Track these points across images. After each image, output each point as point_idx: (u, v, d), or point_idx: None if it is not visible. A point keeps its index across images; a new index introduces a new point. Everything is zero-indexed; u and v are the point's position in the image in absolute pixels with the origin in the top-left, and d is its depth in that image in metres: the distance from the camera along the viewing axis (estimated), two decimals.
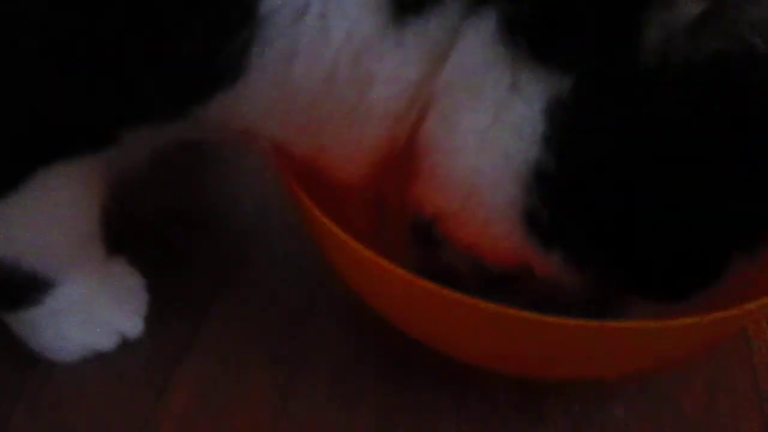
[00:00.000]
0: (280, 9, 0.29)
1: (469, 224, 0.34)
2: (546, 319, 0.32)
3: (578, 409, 0.40)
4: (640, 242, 0.32)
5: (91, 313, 0.42)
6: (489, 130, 0.31)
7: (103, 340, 0.42)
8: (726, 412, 0.40)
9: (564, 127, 0.30)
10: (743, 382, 0.41)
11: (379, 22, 0.30)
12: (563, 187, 0.31)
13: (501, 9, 0.30)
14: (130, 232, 0.48)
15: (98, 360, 0.42)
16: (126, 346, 0.42)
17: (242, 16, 0.29)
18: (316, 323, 0.44)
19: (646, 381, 0.41)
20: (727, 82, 0.29)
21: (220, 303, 0.45)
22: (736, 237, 0.32)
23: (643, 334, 0.33)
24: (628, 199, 0.31)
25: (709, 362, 0.42)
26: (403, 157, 0.34)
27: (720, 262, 0.33)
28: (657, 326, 0.32)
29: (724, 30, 0.28)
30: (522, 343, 0.35)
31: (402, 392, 0.40)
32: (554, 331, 0.33)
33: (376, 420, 0.39)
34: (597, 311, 0.43)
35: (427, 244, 0.47)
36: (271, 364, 0.42)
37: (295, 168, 0.39)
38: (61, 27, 0.30)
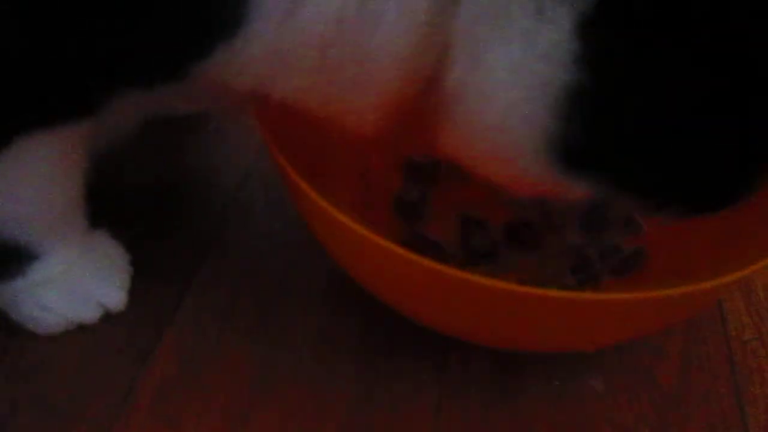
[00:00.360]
0: None
1: (499, 162, 0.33)
2: (523, 290, 0.33)
3: (557, 382, 0.40)
4: (678, 155, 0.31)
5: (74, 285, 0.42)
6: (520, 63, 0.30)
7: (86, 312, 0.42)
8: (700, 383, 0.41)
9: (596, 43, 0.29)
10: (717, 353, 0.42)
11: None
12: (603, 107, 0.30)
13: None
14: (112, 204, 0.48)
15: (80, 330, 0.42)
16: (108, 316, 0.42)
17: None
18: (298, 293, 0.44)
19: (622, 353, 0.42)
20: None
21: (202, 274, 0.46)
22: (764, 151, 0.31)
23: (621, 306, 0.34)
24: (668, 109, 0.30)
25: (684, 334, 0.43)
26: (420, 109, 0.33)
27: (750, 175, 0.32)
28: (634, 298, 0.33)
29: None
30: (500, 314, 0.36)
31: (383, 363, 0.41)
32: (532, 302, 0.33)
33: (356, 389, 0.40)
34: (576, 286, 0.44)
35: (412, 219, 0.47)
36: (253, 334, 0.42)
37: (279, 139, 0.39)
38: None
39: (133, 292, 0.44)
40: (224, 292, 0.45)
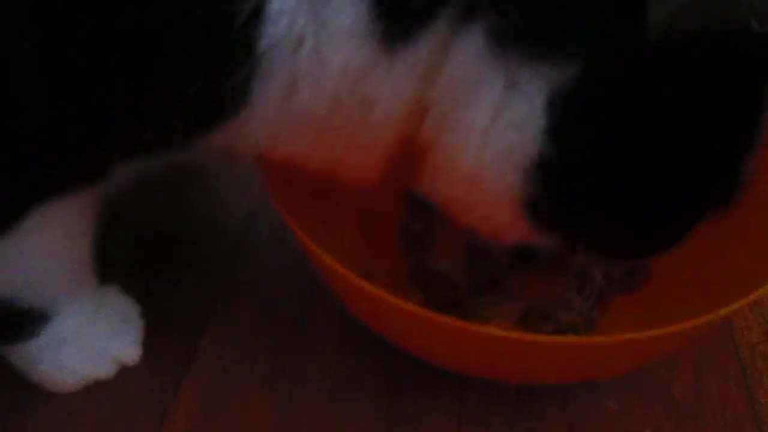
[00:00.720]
0: (278, 45, 0.31)
1: (472, 212, 0.35)
2: (522, 337, 0.34)
3: (573, 406, 0.41)
4: (638, 218, 0.34)
5: (88, 343, 0.42)
6: (489, 129, 0.32)
7: (102, 369, 0.43)
8: (713, 391, 0.41)
9: (568, 118, 0.31)
10: (727, 360, 0.43)
11: (371, 52, 0.31)
12: (565, 176, 0.32)
13: (489, 23, 0.31)
14: (120, 256, 0.48)
15: (97, 386, 0.42)
16: (125, 372, 0.43)
17: (243, 54, 0.30)
18: (313, 334, 0.45)
19: (636, 371, 0.42)
20: (725, 58, 0.30)
21: (215, 320, 0.46)
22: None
23: (622, 346, 0.35)
24: (633, 176, 0.32)
25: (694, 346, 0.44)
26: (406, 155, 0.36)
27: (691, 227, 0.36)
28: (633, 338, 0.34)
29: (723, 9, 0.29)
30: (512, 360, 0.37)
31: (402, 401, 0.41)
32: (532, 347, 0.34)
33: (376, 429, 0.40)
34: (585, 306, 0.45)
35: (418, 250, 0.48)
36: (270, 378, 0.42)
37: (282, 182, 0.40)
38: (66, 69, 0.31)
39: (148, 344, 0.44)
40: (239, 337, 0.45)
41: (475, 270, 0.46)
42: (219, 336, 0.45)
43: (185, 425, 0.40)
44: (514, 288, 0.45)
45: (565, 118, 0.31)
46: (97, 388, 0.42)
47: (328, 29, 0.31)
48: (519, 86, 0.31)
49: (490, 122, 0.32)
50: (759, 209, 0.41)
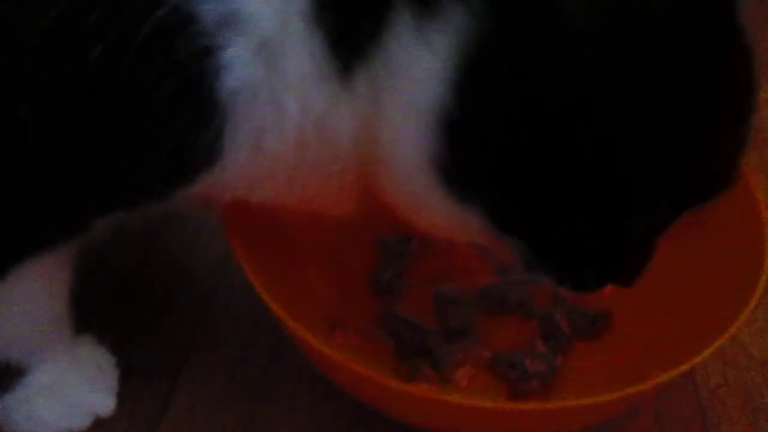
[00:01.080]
0: (237, 95, 0.32)
1: (400, 188, 0.34)
2: (476, 404, 0.36)
3: None
4: (545, 196, 0.32)
5: (63, 395, 0.43)
6: (407, 99, 0.32)
7: (76, 421, 0.43)
8: None
9: (472, 73, 0.30)
10: (687, 404, 0.44)
11: (330, 90, 0.32)
12: (470, 134, 0.31)
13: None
14: (94, 305, 0.49)
15: None
16: (99, 422, 0.43)
17: (210, 110, 0.32)
18: (286, 381, 0.46)
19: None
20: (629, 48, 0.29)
21: (188, 369, 0.47)
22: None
23: (578, 410, 0.36)
24: (534, 148, 0.31)
25: (655, 391, 0.45)
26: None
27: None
28: (586, 403, 0.35)
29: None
30: (481, 422, 0.38)
31: None
32: (510, 415, 0.36)
33: None
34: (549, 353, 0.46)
35: (389, 297, 0.49)
36: (243, 427, 0.43)
37: (251, 241, 0.41)
38: (54, 138, 0.32)
39: (123, 393, 0.44)
40: (213, 385, 0.46)
41: (445, 317, 0.47)
42: (192, 385, 0.46)
43: None
44: (482, 335, 0.47)
45: (469, 74, 0.30)
46: None
47: (283, 77, 0.32)
48: (429, 39, 0.30)
49: (405, 88, 0.31)
50: (719, 256, 0.43)
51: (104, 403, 0.44)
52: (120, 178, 0.34)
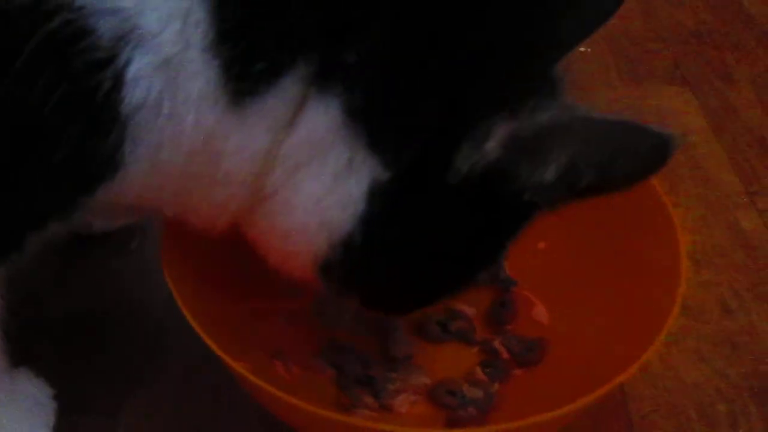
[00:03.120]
0: (139, 110, 0.33)
1: (276, 257, 0.40)
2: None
3: None
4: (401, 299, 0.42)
5: None
6: (323, 199, 0.36)
7: None
8: None
9: (376, 213, 0.36)
10: (620, 430, 0.46)
11: (221, 110, 0.34)
12: (359, 256, 0.37)
13: (342, 93, 0.34)
14: (36, 336, 0.48)
15: None
16: None
17: (110, 120, 0.33)
18: (231, 418, 0.45)
19: None
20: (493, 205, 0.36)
21: (133, 403, 0.46)
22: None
23: None
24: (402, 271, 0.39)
25: (590, 417, 0.46)
26: None
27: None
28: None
29: (509, 179, 0.35)
30: None
31: None
32: None
33: None
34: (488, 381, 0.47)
35: (332, 325, 0.49)
36: None
37: (188, 277, 0.41)
38: None
39: (62, 428, 0.44)
40: (155, 422, 0.45)
41: (386, 346, 0.48)
42: (134, 419, 0.45)
43: None
44: (423, 363, 0.47)
45: (375, 211, 0.36)
46: None
47: (182, 93, 0.33)
48: (354, 165, 0.35)
49: (325, 193, 0.36)
50: (645, 283, 0.45)
51: None
52: (23, 191, 0.35)
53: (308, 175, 0.36)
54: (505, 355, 0.47)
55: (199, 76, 0.33)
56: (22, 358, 0.44)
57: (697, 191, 0.66)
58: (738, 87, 0.80)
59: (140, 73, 0.32)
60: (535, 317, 0.49)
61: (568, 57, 0.38)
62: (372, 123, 0.34)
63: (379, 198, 0.35)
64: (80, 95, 0.32)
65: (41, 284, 0.53)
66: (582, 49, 0.99)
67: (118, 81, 0.32)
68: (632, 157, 0.33)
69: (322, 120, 0.35)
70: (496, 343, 0.48)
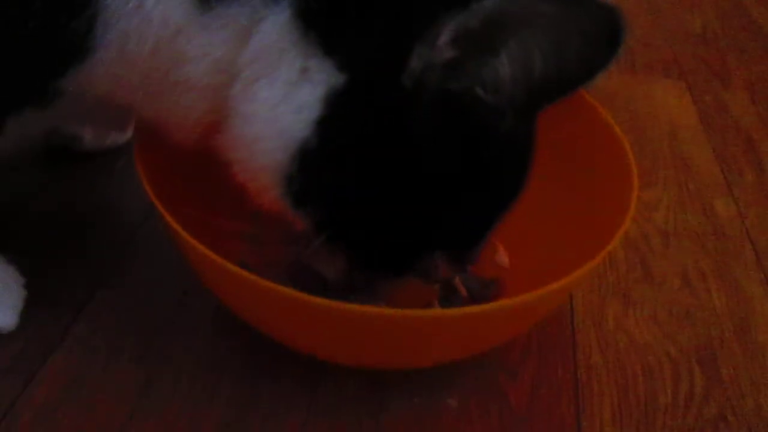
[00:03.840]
0: None
1: (245, 173, 0.40)
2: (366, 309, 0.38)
3: (418, 401, 0.44)
4: (365, 219, 0.40)
5: None
6: (278, 106, 0.37)
7: None
8: (545, 402, 0.45)
9: (332, 117, 0.36)
10: (564, 376, 0.47)
11: (188, 10, 0.36)
12: (318, 163, 0.37)
13: (297, 1, 0.35)
14: (16, 230, 0.50)
15: None
16: None
17: (82, 2, 0.35)
18: (184, 324, 0.47)
19: (479, 375, 0.46)
20: (457, 114, 0.36)
21: (95, 302, 0.48)
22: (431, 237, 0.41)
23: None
24: (364, 183, 0.38)
25: (538, 358, 0.47)
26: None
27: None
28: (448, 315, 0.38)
29: (463, 77, 0.35)
30: (360, 336, 0.40)
31: (257, 387, 0.44)
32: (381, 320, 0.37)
33: (228, 413, 0.42)
34: None
35: (301, 248, 0.51)
36: (137, 360, 0.44)
37: (168, 187, 0.43)
38: None
39: (27, 317, 0.46)
40: (115, 319, 0.47)
41: (351, 274, 0.49)
42: (95, 317, 0.47)
43: (45, 396, 0.42)
44: (383, 294, 0.49)
45: (331, 115, 0.36)
46: None
47: None
48: (309, 73, 0.36)
49: (280, 100, 0.37)
50: (598, 222, 0.46)
51: (7, 318, 0.45)
52: (7, 72, 0.36)
53: (265, 84, 0.37)
54: (464, 292, 0.48)
55: None
56: (0, 247, 0.46)
57: (677, 176, 0.67)
58: (734, 88, 0.82)
59: None
60: (498, 261, 0.50)
61: None
62: (325, 26, 0.35)
63: (334, 102, 0.36)
64: None
65: (28, 188, 0.56)
66: None
67: None
68: (583, 37, 0.33)
69: (276, 26, 0.36)
70: (455, 281, 0.49)
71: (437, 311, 0.42)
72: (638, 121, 0.73)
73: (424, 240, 0.41)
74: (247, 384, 0.44)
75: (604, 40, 0.33)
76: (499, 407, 0.44)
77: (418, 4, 0.35)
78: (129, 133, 0.60)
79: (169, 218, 0.39)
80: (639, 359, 0.48)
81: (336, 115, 0.36)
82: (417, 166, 0.38)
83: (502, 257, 0.50)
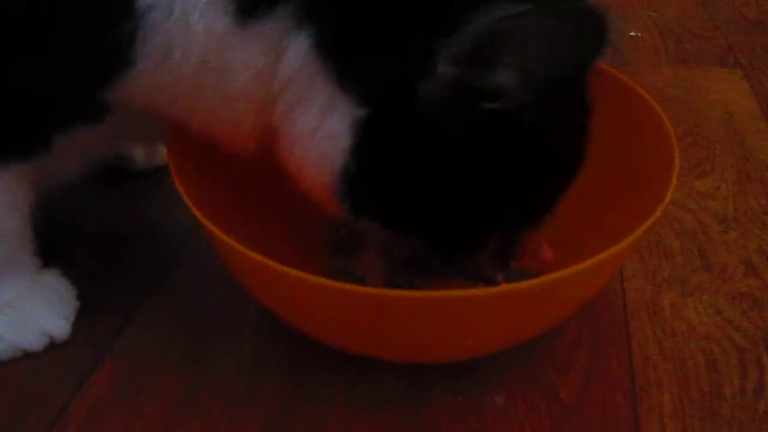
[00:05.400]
0: (154, 8, 0.36)
1: (303, 186, 0.42)
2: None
3: (462, 399, 0.43)
4: (416, 222, 0.41)
5: (21, 315, 0.46)
6: (316, 132, 0.38)
7: (32, 340, 0.46)
8: (599, 395, 0.42)
9: (363, 146, 0.38)
10: (618, 368, 0.44)
11: (227, 23, 0.37)
12: (363, 184, 0.39)
13: (315, 29, 0.37)
14: (69, 246, 0.52)
15: (25, 357, 0.45)
16: (53, 345, 0.46)
17: (122, 10, 0.36)
18: (228, 330, 0.48)
19: (524, 372, 0.44)
20: (477, 121, 0.37)
21: (143, 311, 0.49)
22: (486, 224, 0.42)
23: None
24: (405, 194, 0.40)
25: (590, 351, 0.45)
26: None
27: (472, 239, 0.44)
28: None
29: (468, 92, 0.36)
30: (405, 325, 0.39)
31: (298, 387, 0.43)
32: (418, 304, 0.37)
33: (274, 408, 0.42)
34: None
35: (343, 256, 0.51)
36: (183, 365, 0.45)
37: (199, 189, 0.44)
38: None
39: (79, 323, 0.47)
40: (164, 324, 0.48)
41: (391, 275, 0.49)
42: (145, 323, 0.48)
43: (95, 399, 0.43)
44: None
45: (361, 143, 0.38)
46: (24, 359, 0.45)
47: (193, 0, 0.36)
48: (336, 102, 0.37)
49: (316, 126, 0.38)
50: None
51: (60, 326, 0.46)
52: (53, 82, 0.38)
53: (303, 111, 0.38)
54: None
55: None
56: (56, 261, 0.48)
57: (736, 163, 0.63)
58: None
59: None
60: (541, 256, 0.49)
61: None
62: (341, 61, 0.37)
63: (361, 132, 0.37)
64: None
65: (83, 204, 0.58)
66: (632, 33, 0.99)
67: None
68: (570, 39, 0.34)
69: (300, 50, 0.37)
70: (499, 278, 0.47)
71: (481, 289, 0.41)
72: (691, 112, 0.70)
73: (486, 221, 0.42)
74: (288, 384, 0.44)
75: (592, 37, 0.34)
76: (549, 403, 0.42)
77: (417, 37, 0.36)
78: None
79: (211, 227, 0.40)
80: (700, 349, 0.45)
81: (365, 144, 0.38)
82: (454, 171, 0.39)
83: (546, 252, 0.49)
